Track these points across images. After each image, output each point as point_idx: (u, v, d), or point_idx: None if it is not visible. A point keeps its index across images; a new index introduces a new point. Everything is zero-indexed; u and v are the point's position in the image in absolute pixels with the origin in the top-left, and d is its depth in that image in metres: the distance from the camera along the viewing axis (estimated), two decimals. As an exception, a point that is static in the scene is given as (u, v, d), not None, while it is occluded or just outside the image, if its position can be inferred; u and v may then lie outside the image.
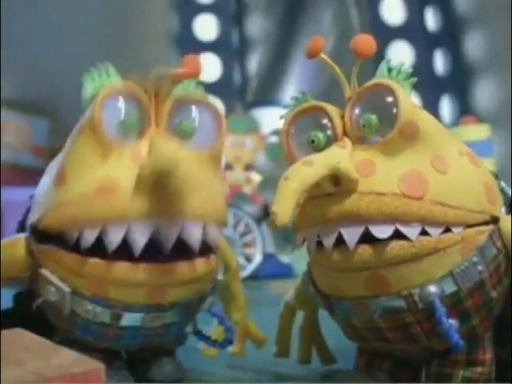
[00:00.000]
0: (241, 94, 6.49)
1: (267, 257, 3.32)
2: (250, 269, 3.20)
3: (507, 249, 0.90)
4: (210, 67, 6.25)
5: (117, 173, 0.92)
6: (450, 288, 0.86)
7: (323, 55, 0.94)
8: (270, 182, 3.43)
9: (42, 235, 0.98)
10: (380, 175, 0.86)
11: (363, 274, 0.87)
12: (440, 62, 5.92)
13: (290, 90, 5.78)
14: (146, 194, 0.90)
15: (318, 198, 0.89)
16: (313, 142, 0.94)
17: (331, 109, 0.95)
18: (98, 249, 0.93)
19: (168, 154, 0.85)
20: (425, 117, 0.90)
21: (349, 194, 0.86)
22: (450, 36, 5.85)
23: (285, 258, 3.45)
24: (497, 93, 5.25)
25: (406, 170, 0.86)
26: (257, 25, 6.72)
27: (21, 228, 1.06)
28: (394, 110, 0.87)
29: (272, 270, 3.28)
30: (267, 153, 3.84)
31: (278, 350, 1.19)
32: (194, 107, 1.00)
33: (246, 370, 1.23)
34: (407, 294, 0.86)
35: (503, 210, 0.93)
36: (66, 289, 0.96)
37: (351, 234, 0.85)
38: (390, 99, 0.88)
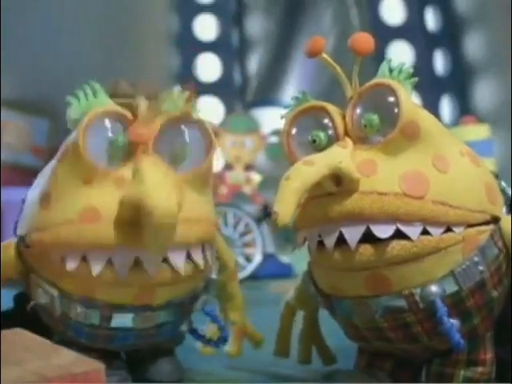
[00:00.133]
0: (241, 94, 6.48)
1: (267, 257, 3.32)
2: (249, 269, 3.20)
3: (508, 249, 0.90)
4: (210, 67, 6.25)
5: (100, 200, 0.92)
6: (451, 288, 0.86)
7: (324, 55, 0.94)
8: (270, 182, 3.43)
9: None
10: (381, 175, 0.86)
11: (364, 274, 0.87)
12: (440, 62, 5.92)
13: (290, 89, 5.78)
14: (127, 223, 0.90)
15: (319, 197, 0.89)
16: (314, 141, 0.94)
17: (332, 108, 0.95)
18: None
19: (148, 190, 0.85)
20: (426, 117, 0.90)
21: (350, 193, 0.86)
22: (450, 36, 5.85)
23: (285, 258, 3.45)
24: (497, 93, 5.25)
25: (407, 169, 0.86)
26: (257, 25, 6.71)
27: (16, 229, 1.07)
28: (396, 110, 0.87)
29: (272, 270, 3.28)
30: (267, 153, 3.84)
31: (278, 350, 1.18)
32: (183, 126, 0.98)
33: (245, 371, 1.23)
34: (408, 293, 0.86)
35: (504, 209, 0.93)
36: (55, 292, 0.96)
37: (352, 234, 0.85)
38: (391, 99, 0.88)
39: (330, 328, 1.08)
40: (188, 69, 6.13)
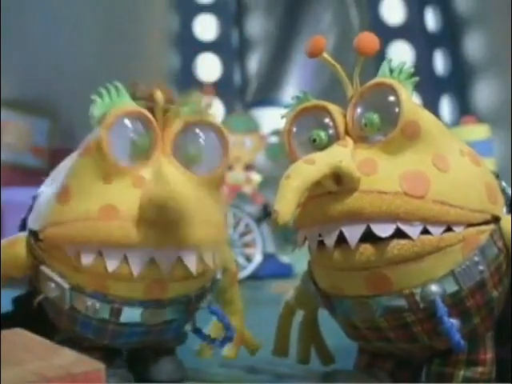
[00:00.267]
0: (241, 94, 6.49)
1: (267, 257, 3.32)
2: (250, 269, 3.20)
3: (508, 248, 0.90)
4: (210, 67, 6.26)
5: (119, 198, 0.93)
6: (451, 287, 0.86)
7: (325, 55, 0.94)
8: (270, 182, 3.43)
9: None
10: (382, 174, 0.86)
11: (364, 273, 0.87)
12: (440, 62, 5.92)
13: (290, 90, 5.78)
14: (144, 222, 0.92)
15: (320, 196, 0.89)
16: (314, 140, 0.94)
17: (333, 108, 0.95)
18: None
19: (169, 190, 0.88)
20: (426, 116, 0.90)
21: (350, 192, 0.86)
22: (450, 36, 5.85)
23: (285, 258, 3.45)
24: (497, 93, 5.25)
25: (408, 168, 0.86)
26: (257, 25, 6.71)
27: (23, 226, 1.07)
28: (396, 110, 0.87)
29: (272, 270, 3.28)
30: (267, 153, 3.84)
31: (277, 349, 1.18)
32: (200, 130, 1.01)
33: (244, 370, 1.23)
34: (408, 293, 0.86)
35: (504, 209, 0.93)
36: (66, 285, 0.97)
37: (353, 233, 0.85)
38: (391, 98, 0.88)
39: (329, 328, 1.08)
40: (188, 69, 6.14)
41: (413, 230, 0.84)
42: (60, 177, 0.99)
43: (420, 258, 0.85)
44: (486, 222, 0.89)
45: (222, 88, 5.60)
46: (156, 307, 0.98)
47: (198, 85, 5.49)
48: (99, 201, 0.93)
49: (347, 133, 0.93)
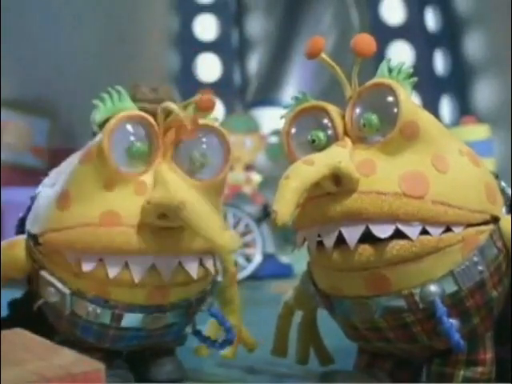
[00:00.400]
0: (241, 94, 6.48)
1: (267, 257, 3.31)
2: (250, 269, 3.20)
3: (507, 248, 0.90)
4: (210, 67, 6.25)
5: (120, 204, 0.94)
6: (450, 288, 0.86)
7: (323, 55, 0.94)
8: (270, 182, 3.42)
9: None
10: (381, 175, 0.86)
11: (364, 274, 0.87)
12: (440, 62, 5.91)
13: (290, 90, 5.77)
14: (145, 229, 0.92)
15: (319, 197, 0.89)
16: (313, 141, 0.94)
17: (332, 108, 0.95)
18: None
19: (173, 197, 0.89)
20: (425, 116, 0.90)
21: (349, 193, 0.86)
22: (450, 36, 5.84)
23: (285, 258, 3.44)
24: (497, 93, 5.24)
25: (407, 169, 0.86)
26: (257, 25, 6.71)
27: (21, 226, 1.07)
28: (395, 110, 0.87)
29: (272, 270, 3.28)
30: (267, 153, 3.84)
31: (276, 350, 1.19)
32: (202, 135, 1.00)
33: (244, 370, 1.23)
34: (408, 293, 0.86)
35: (503, 209, 0.93)
36: (66, 290, 0.97)
37: (352, 234, 0.85)
38: (390, 99, 0.88)
39: (329, 328, 1.08)
40: (188, 69, 6.13)
41: (412, 231, 0.84)
42: (60, 181, 0.99)
43: (419, 259, 0.85)
44: (486, 223, 0.89)
45: (221, 88, 5.60)
46: (157, 312, 0.98)
47: (198, 85, 5.49)
48: (100, 207, 0.93)
49: (346, 133, 0.93)
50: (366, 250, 0.85)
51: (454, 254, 0.86)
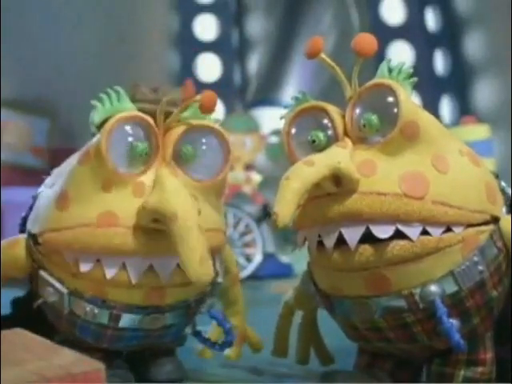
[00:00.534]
0: (241, 94, 6.48)
1: (267, 257, 3.31)
2: (250, 269, 3.20)
3: (508, 248, 0.90)
4: (210, 67, 6.25)
5: (118, 205, 0.94)
6: (450, 288, 0.86)
7: (323, 55, 0.94)
8: (270, 182, 3.42)
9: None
10: (381, 175, 0.86)
11: (364, 274, 0.87)
12: (440, 62, 5.91)
13: (290, 90, 5.77)
14: (143, 230, 0.92)
15: (319, 197, 0.89)
16: (313, 142, 0.94)
17: (332, 109, 0.95)
18: None
19: (166, 206, 0.88)
20: (425, 117, 0.90)
21: (350, 193, 0.86)
22: (450, 36, 5.85)
23: (285, 258, 3.44)
24: (497, 93, 5.25)
25: (407, 169, 0.86)
26: (257, 25, 6.71)
27: (23, 225, 1.07)
28: (395, 110, 0.87)
29: (272, 270, 3.28)
30: (267, 153, 3.84)
31: (276, 350, 1.18)
32: (201, 135, 1.00)
33: (244, 370, 1.24)
34: (408, 293, 0.86)
35: (504, 209, 0.93)
36: (64, 290, 0.97)
37: (352, 234, 0.85)
38: (390, 99, 0.88)
39: (329, 328, 1.08)
40: (188, 69, 6.13)
41: (412, 231, 0.84)
42: (59, 181, 0.99)
43: (419, 259, 0.85)
44: (486, 223, 0.89)
45: (221, 88, 5.60)
46: (155, 313, 0.98)
47: (198, 85, 5.48)
48: (98, 208, 0.93)
49: (346, 134, 0.92)
50: (367, 250, 0.85)
51: (454, 254, 0.86)
